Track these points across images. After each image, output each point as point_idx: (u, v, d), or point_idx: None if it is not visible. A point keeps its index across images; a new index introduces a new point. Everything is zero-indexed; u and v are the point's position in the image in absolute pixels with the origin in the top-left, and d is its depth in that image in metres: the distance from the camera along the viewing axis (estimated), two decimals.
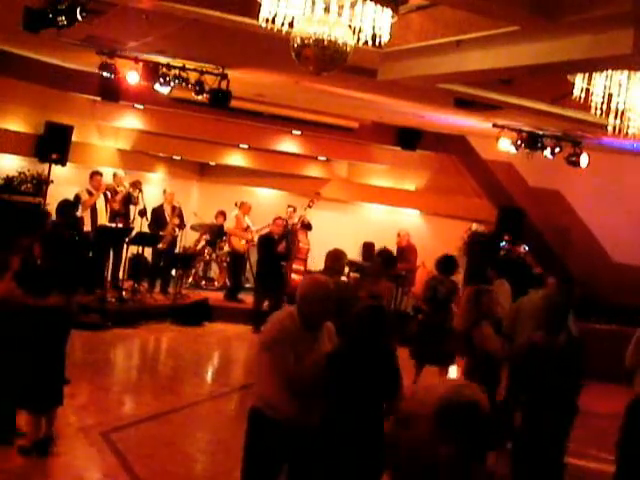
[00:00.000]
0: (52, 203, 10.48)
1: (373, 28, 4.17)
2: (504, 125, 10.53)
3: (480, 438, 1.86)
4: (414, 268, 12.77)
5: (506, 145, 10.78)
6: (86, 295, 10.29)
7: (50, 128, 11.31)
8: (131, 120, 12.79)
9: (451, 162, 13.76)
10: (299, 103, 11.53)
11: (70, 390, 6.24)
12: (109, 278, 11.58)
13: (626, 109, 5.34)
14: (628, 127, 5.49)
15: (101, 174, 11.63)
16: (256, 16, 4.27)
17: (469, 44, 5.89)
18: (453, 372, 9.23)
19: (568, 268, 12.27)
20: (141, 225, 11.76)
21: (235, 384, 9.15)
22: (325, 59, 4.37)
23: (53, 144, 11.25)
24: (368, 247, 14.30)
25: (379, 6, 4.14)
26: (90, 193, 11.39)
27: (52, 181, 11.27)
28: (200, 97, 9.20)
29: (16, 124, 11.37)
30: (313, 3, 4.08)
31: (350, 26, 4.24)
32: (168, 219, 12.49)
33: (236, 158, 14.64)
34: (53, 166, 11.31)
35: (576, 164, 10.75)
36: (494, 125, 10.54)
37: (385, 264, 7.35)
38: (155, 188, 13.58)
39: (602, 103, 5.28)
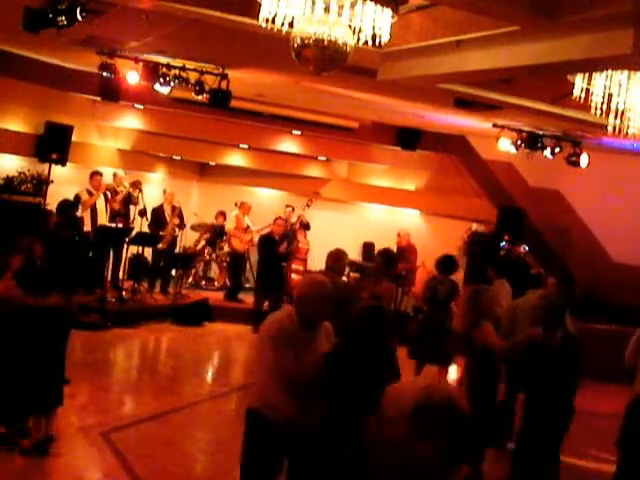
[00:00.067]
0: (52, 203, 10.48)
1: (373, 28, 4.17)
2: (504, 125, 10.53)
3: (457, 437, 1.85)
4: (414, 268, 12.77)
5: (506, 145, 10.78)
6: (86, 295, 10.30)
7: (50, 128, 11.31)
8: (131, 120, 12.79)
9: (451, 162, 13.76)
10: (299, 103, 11.54)
11: (70, 390, 6.24)
12: (109, 278, 11.58)
13: (626, 109, 5.34)
14: (628, 127, 5.49)
15: (101, 174, 11.64)
16: (256, 16, 4.27)
17: (469, 44, 5.89)
18: (453, 372, 9.24)
19: (568, 268, 12.27)
20: (141, 225, 11.76)
21: (235, 384, 9.15)
22: (325, 59, 4.37)
23: (53, 144, 11.25)
24: (368, 247, 14.30)
25: (379, 6, 4.14)
26: (90, 193, 11.39)
27: (52, 181, 11.27)
28: (200, 97, 9.20)
29: (16, 124, 11.37)
30: (313, 3, 4.08)
31: (350, 26, 4.24)
32: (168, 219, 12.49)
33: (236, 158, 14.65)
34: (53, 166, 11.31)
35: (576, 164, 10.76)
36: (494, 125, 10.55)
37: (386, 264, 7.35)
38: (155, 188, 13.59)
39: (602, 103, 5.28)
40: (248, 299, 12.74)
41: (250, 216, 13.59)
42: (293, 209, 13.22)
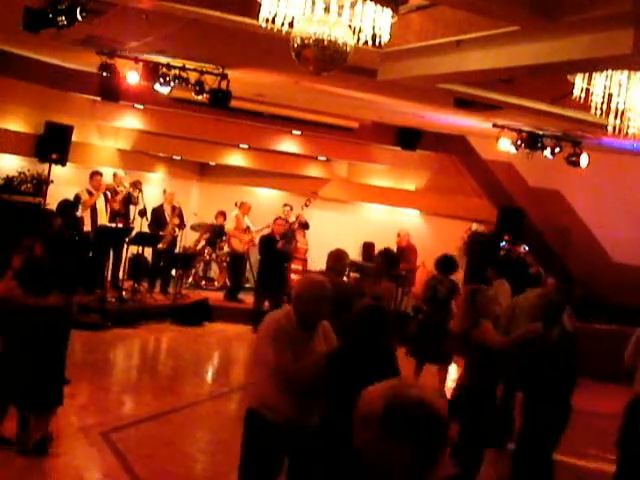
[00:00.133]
0: (52, 203, 10.49)
1: (373, 28, 4.17)
2: (504, 125, 10.53)
3: (428, 439, 1.83)
4: (414, 268, 12.77)
5: (506, 145, 10.78)
6: (86, 295, 10.30)
7: (50, 128, 11.31)
8: (131, 120, 12.80)
9: (451, 162, 13.76)
10: (299, 103, 11.54)
11: (70, 390, 6.24)
12: (109, 278, 11.58)
13: (626, 109, 5.34)
14: (628, 127, 5.49)
15: (101, 174, 11.64)
16: (256, 16, 4.27)
17: (469, 44, 5.89)
18: (452, 371, 9.25)
19: (568, 268, 12.28)
20: (141, 225, 11.76)
21: (235, 384, 9.16)
22: (325, 59, 4.37)
23: (53, 144, 11.25)
24: (368, 247, 14.30)
25: (379, 6, 4.14)
26: (90, 193, 11.39)
27: (52, 181, 11.27)
28: (200, 97, 9.20)
29: (16, 124, 11.37)
30: (313, 3, 4.08)
31: (350, 26, 4.24)
32: (168, 219, 12.49)
33: (236, 158, 14.65)
34: (53, 166, 11.31)
35: (576, 164, 10.76)
36: (494, 125, 10.55)
37: (387, 264, 7.36)
38: (155, 188, 13.59)
39: (602, 103, 5.28)
40: (248, 299, 12.73)
41: (250, 216, 13.60)
42: (291, 208, 13.22)
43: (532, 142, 10.61)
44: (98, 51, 8.64)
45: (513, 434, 6.13)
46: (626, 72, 5.25)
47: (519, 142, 10.66)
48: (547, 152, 10.67)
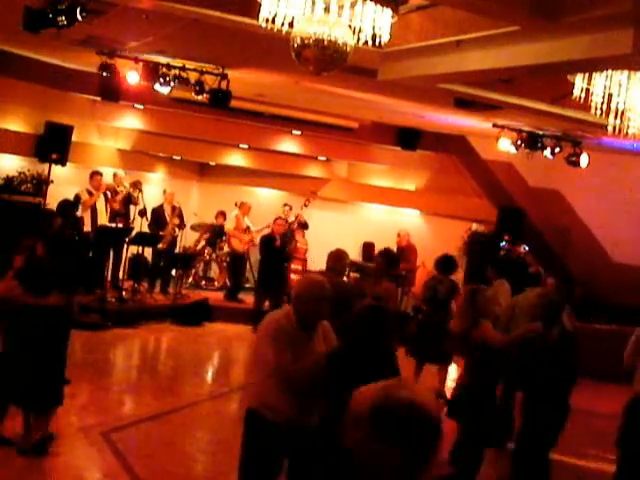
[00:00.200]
0: (52, 203, 10.49)
1: (373, 28, 4.17)
2: (504, 125, 10.53)
3: (419, 440, 1.82)
4: (414, 268, 12.77)
5: (506, 145, 10.78)
6: (86, 295, 10.30)
7: (50, 128, 11.31)
8: (131, 120, 12.80)
9: (451, 162, 13.76)
10: (299, 103, 11.54)
11: (70, 390, 6.24)
12: (109, 278, 11.58)
13: (626, 109, 5.34)
14: (628, 127, 5.49)
15: (101, 174, 11.64)
16: (256, 16, 4.27)
17: (469, 44, 5.89)
18: (452, 371, 9.25)
19: (568, 268, 12.28)
20: (141, 225, 11.76)
21: (235, 384, 9.15)
22: (325, 59, 4.37)
23: (53, 144, 11.25)
24: (368, 247, 14.30)
25: (379, 6, 4.14)
26: (90, 193, 11.39)
27: (52, 181, 11.27)
28: (200, 97, 9.20)
29: (16, 124, 11.37)
30: (313, 3, 4.08)
31: (350, 26, 4.24)
32: (168, 219, 12.49)
33: (236, 158, 14.65)
34: (53, 166, 11.30)
35: (576, 164, 10.76)
36: (494, 125, 10.55)
37: (388, 264, 7.37)
38: (155, 188, 13.59)
39: (602, 103, 5.29)
40: (248, 299, 12.74)
41: (250, 216, 13.59)
42: (291, 208, 13.22)
43: (532, 142, 10.61)
44: (98, 51, 8.64)
45: (513, 434, 6.13)
46: (626, 72, 5.25)
47: (519, 142, 10.66)
48: (547, 152, 10.67)
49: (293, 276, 12.48)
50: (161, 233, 12.26)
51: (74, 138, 11.57)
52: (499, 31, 5.52)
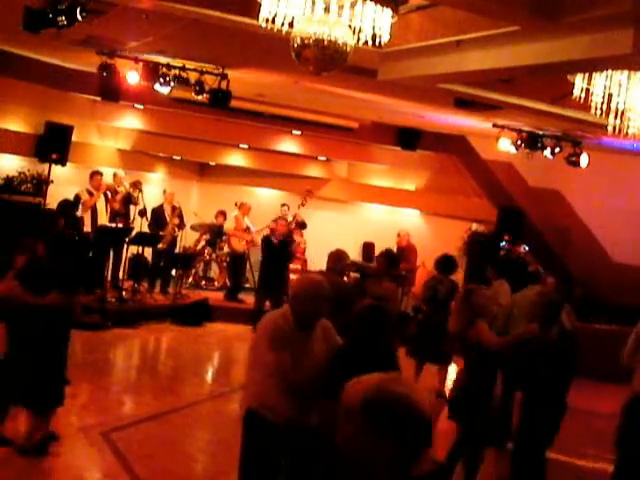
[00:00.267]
0: (52, 203, 10.52)
1: (373, 28, 4.17)
2: (504, 125, 10.53)
3: (410, 435, 1.81)
4: (414, 268, 12.77)
5: (506, 145, 10.78)
6: (86, 295, 10.29)
7: (50, 128, 11.31)
8: (131, 120, 12.80)
9: (451, 162, 13.76)
10: (299, 103, 11.54)
11: (70, 390, 6.23)
12: (109, 278, 11.58)
13: (626, 109, 5.34)
14: (628, 127, 5.49)
15: (101, 174, 11.63)
16: (256, 16, 4.27)
17: (469, 44, 5.89)
18: (452, 371, 9.25)
19: (568, 268, 12.28)
20: (141, 225, 11.76)
21: (235, 384, 9.13)
22: (325, 59, 4.37)
23: (53, 144, 11.25)
24: (368, 247, 14.31)
25: (379, 6, 4.14)
26: (90, 193, 11.39)
27: (52, 181, 11.27)
28: (200, 97, 9.19)
29: (16, 124, 11.37)
30: (313, 3, 4.08)
31: (350, 26, 4.24)
32: (168, 219, 12.49)
33: (236, 158, 14.65)
34: (53, 166, 11.31)
35: (576, 164, 10.76)
36: (494, 125, 10.55)
37: (389, 265, 7.38)
38: (155, 188, 13.59)
39: (602, 103, 5.29)
40: (248, 299, 12.74)
41: (250, 216, 13.59)
42: (288, 208, 13.21)
43: (532, 142, 10.61)
44: (98, 51, 8.64)
45: (512, 434, 6.13)
46: (626, 72, 5.25)
47: (519, 142, 10.66)
48: (547, 152, 10.67)
49: (292, 276, 12.47)
50: (161, 233, 12.26)
51: (74, 138, 11.57)
52: (499, 31, 5.52)
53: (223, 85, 9.14)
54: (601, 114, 5.33)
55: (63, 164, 11.46)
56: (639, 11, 4.44)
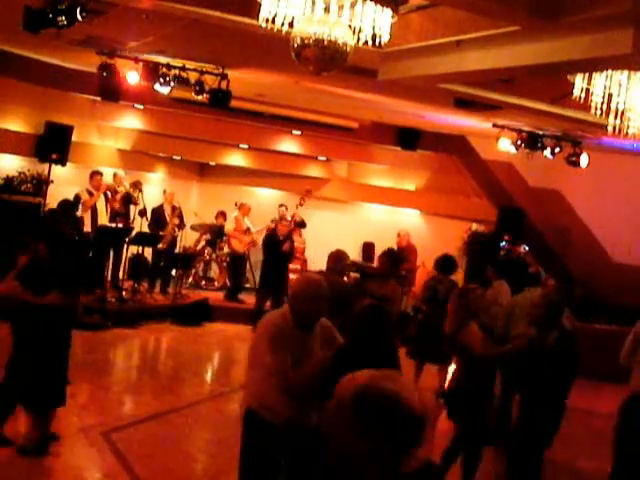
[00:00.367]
0: (52, 203, 10.51)
1: (373, 28, 4.17)
2: (504, 125, 10.53)
3: (398, 431, 1.82)
4: (414, 268, 12.78)
5: (506, 145, 10.78)
6: (86, 295, 10.29)
7: (50, 128, 11.31)
8: (131, 120, 12.80)
9: (451, 162, 13.76)
10: (299, 103, 11.54)
11: (70, 390, 6.23)
12: (109, 278, 11.58)
13: (626, 109, 5.34)
14: (628, 127, 5.49)
15: (101, 174, 11.63)
16: (256, 16, 4.27)
17: (469, 44, 5.89)
18: (452, 371, 9.25)
19: (568, 268, 12.28)
20: (141, 225, 11.76)
21: (235, 384, 9.14)
22: (325, 59, 4.37)
23: (53, 144, 11.25)
24: (368, 247, 14.31)
25: (379, 6, 4.14)
26: (90, 193, 11.39)
27: (52, 181, 11.27)
28: (200, 97, 9.20)
29: (16, 124, 11.37)
30: (313, 3, 4.08)
31: (350, 26, 4.24)
32: (168, 219, 12.49)
33: (236, 158, 14.65)
34: (53, 166, 11.31)
35: (576, 164, 10.76)
36: (494, 125, 10.55)
37: (392, 264, 7.38)
38: (155, 188, 13.59)
39: (602, 103, 5.29)
40: (248, 299, 12.74)
41: (250, 216, 13.59)
42: (287, 208, 13.20)
43: (532, 142, 10.62)
44: (98, 51, 8.64)
45: (511, 434, 6.13)
46: (626, 72, 5.25)
47: (519, 142, 10.67)
48: (547, 152, 10.67)
49: (292, 275, 12.47)
50: (161, 233, 12.26)
51: (74, 138, 11.57)
52: (499, 31, 5.52)
53: (223, 85, 9.14)
54: (601, 114, 5.33)
55: (63, 164, 11.46)
56: (639, 11, 4.44)
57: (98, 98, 11.19)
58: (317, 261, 11.61)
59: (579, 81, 5.40)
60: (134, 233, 11.54)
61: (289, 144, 13.96)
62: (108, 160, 13.19)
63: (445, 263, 8.69)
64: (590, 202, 12.42)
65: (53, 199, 10.66)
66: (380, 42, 4.25)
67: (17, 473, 5.45)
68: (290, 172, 14.79)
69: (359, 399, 1.82)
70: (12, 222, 9.76)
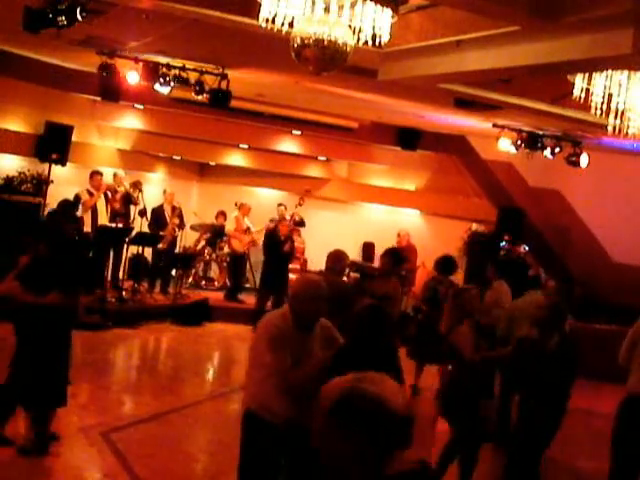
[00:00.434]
0: (52, 203, 10.50)
1: (373, 28, 4.17)
2: (504, 125, 10.53)
3: (381, 434, 1.82)
4: (414, 268, 12.78)
5: (506, 145, 10.78)
6: (86, 295, 10.28)
7: (50, 128, 11.31)
8: (131, 120, 12.80)
9: (451, 162, 13.76)
10: (299, 103, 11.54)
11: (70, 390, 6.22)
12: (109, 278, 11.58)
13: (626, 109, 5.34)
14: (628, 127, 5.49)
15: (101, 174, 11.63)
16: (256, 16, 4.27)
17: (469, 44, 5.89)
18: (442, 372, 9.25)
19: (568, 268, 12.28)
20: (141, 225, 11.76)
21: (235, 384, 9.13)
22: (325, 59, 4.37)
23: (53, 144, 11.25)
24: (368, 247, 14.31)
25: (379, 6, 4.14)
26: (90, 193, 11.39)
27: (52, 181, 11.27)
28: (200, 97, 9.20)
29: (16, 124, 11.37)
30: (313, 3, 4.08)
31: (350, 26, 4.24)
32: (168, 219, 12.49)
33: (236, 158, 14.65)
34: (53, 166, 11.31)
35: (576, 164, 10.76)
36: (494, 125, 10.55)
37: (395, 263, 7.38)
38: (155, 188, 13.59)
39: (602, 103, 5.29)
40: (248, 299, 12.74)
41: (250, 216, 13.59)
42: (285, 207, 13.19)
43: (532, 142, 10.61)
44: (98, 51, 8.64)
45: (510, 434, 6.13)
46: (626, 72, 5.25)
47: (519, 142, 10.67)
48: (547, 152, 10.67)
49: (291, 275, 12.47)
50: (161, 233, 12.26)
51: (74, 138, 11.57)
52: (499, 31, 5.52)
53: (223, 85, 9.14)
54: (601, 114, 5.33)
55: (63, 164, 11.46)
56: (639, 11, 4.45)
57: (98, 98, 11.20)
58: (317, 261, 11.61)
59: (579, 81, 5.40)
60: (134, 233, 11.54)
61: (289, 144, 13.96)
62: (108, 160, 13.19)
63: (445, 264, 8.69)
64: (590, 202, 12.42)
65: (53, 199, 10.64)
66: (380, 42, 4.25)
67: (17, 473, 5.46)
68: (290, 172, 14.79)
69: (342, 402, 1.83)
70: (12, 222, 9.76)
